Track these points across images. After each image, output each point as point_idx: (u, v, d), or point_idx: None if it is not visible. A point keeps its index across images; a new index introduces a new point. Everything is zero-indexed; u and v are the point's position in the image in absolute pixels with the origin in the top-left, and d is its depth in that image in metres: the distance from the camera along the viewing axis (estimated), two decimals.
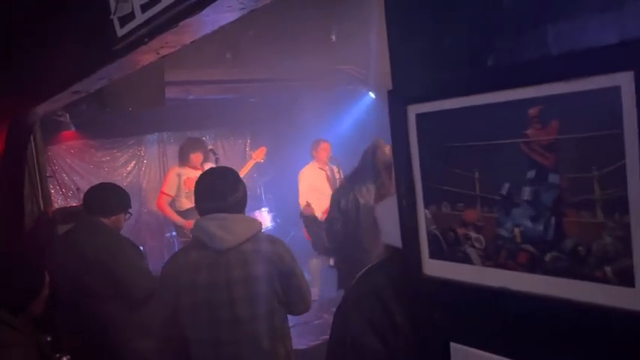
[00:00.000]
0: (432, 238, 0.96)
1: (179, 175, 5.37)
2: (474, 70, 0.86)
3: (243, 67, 5.81)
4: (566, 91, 0.75)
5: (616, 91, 0.70)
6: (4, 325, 2.31)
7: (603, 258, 0.74)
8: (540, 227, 0.81)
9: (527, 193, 0.82)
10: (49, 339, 2.86)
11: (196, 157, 5.35)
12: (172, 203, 5.38)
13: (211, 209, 2.19)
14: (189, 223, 5.06)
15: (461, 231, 0.91)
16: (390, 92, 0.99)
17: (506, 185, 0.84)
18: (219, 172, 2.42)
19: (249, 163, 5.78)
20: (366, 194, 3.38)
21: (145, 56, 2.24)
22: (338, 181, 5.53)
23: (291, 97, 6.94)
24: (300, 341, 4.69)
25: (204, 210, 2.23)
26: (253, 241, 2.18)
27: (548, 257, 0.81)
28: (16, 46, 3.20)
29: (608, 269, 0.74)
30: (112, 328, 3.16)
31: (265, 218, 6.55)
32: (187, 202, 5.29)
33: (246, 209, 7.14)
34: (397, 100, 0.98)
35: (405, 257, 1.01)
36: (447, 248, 0.94)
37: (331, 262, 4.58)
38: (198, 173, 5.20)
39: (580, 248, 0.76)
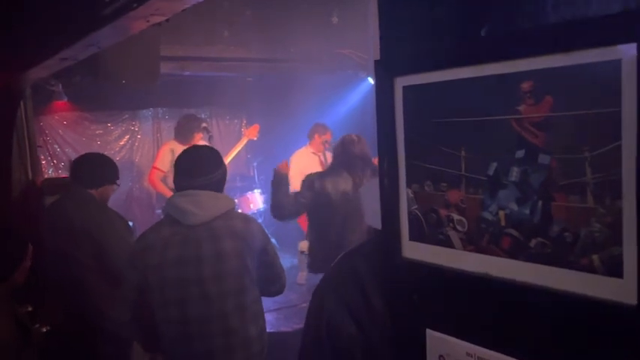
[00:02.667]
0: (413, 219, 0.91)
1: (172, 151, 5.28)
2: (465, 40, 0.81)
3: (240, 45, 5.72)
4: (562, 64, 0.70)
5: (616, 64, 0.65)
6: None
7: (591, 245, 0.69)
8: (526, 211, 0.76)
9: (514, 173, 0.77)
10: (29, 309, 2.83)
11: (198, 135, 5.29)
12: (165, 180, 5.31)
13: (186, 185, 2.17)
14: None
15: (443, 212, 0.86)
16: (376, 62, 0.93)
17: (494, 165, 0.79)
18: (200, 150, 2.42)
19: (241, 140, 5.72)
20: (342, 182, 3.55)
21: (135, 23, 2.17)
22: None
23: (288, 79, 6.85)
24: (285, 324, 4.70)
25: (180, 186, 2.20)
26: (225, 218, 2.16)
27: (532, 243, 0.76)
28: (6, 9, 3.11)
29: (595, 258, 0.69)
30: (94, 299, 3.14)
31: (257, 199, 6.51)
32: None
33: (239, 190, 7.07)
34: (384, 71, 0.92)
35: (384, 238, 0.96)
36: (428, 230, 0.89)
37: (304, 247, 4.64)
38: None
39: (566, 234, 0.71)
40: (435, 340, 0.92)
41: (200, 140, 5.30)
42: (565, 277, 0.72)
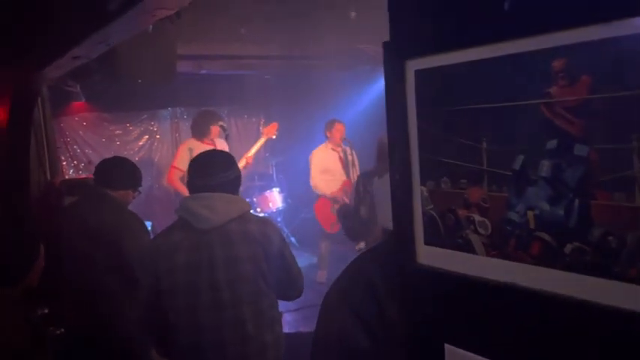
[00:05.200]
0: (429, 221, 0.81)
1: (190, 150, 5.25)
2: (486, 15, 0.70)
3: (257, 43, 5.66)
4: (602, 36, 0.58)
5: None
6: None
7: None
8: (560, 211, 0.65)
9: (545, 168, 0.66)
10: (45, 311, 2.80)
11: (215, 129, 5.23)
12: (183, 179, 5.28)
13: (200, 185, 2.11)
14: None
15: (462, 213, 0.76)
16: (385, 44, 0.83)
17: (520, 158, 0.68)
18: (213, 152, 2.38)
19: (260, 139, 5.65)
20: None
21: (142, 18, 2.11)
22: (350, 162, 5.39)
23: (306, 76, 6.77)
24: (304, 324, 4.64)
25: (194, 186, 2.15)
26: (240, 221, 2.09)
27: (568, 249, 0.65)
28: (18, 9, 3.10)
29: None
30: (111, 300, 3.12)
31: (276, 198, 6.46)
32: None
33: (258, 189, 7.02)
34: (394, 53, 0.81)
35: (396, 242, 0.86)
36: (445, 233, 0.79)
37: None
38: (209, 148, 5.10)
39: (610, 239, 0.60)
40: (455, 357, 0.81)
41: (217, 135, 5.24)
42: (608, 290, 0.61)
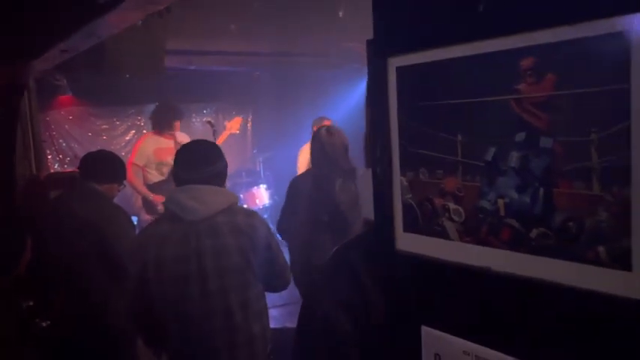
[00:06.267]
0: (407, 209, 0.86)
1: (151, 145, 5.15)
2: (462, 16, 0.75)
3: (246, 39, 5.69)
4: (565, 38, 0.64)
5: (624, 36, 0.59)
6: None
7: (597, 236, 0.64)
8: (527, 199, 0.70)
9: (514, 159, 0.71)
10: (30, 303, 2.81)
11: (178, 124, 5.16)
12: (140, 175, 5.13)
13: (187, 179, 2.14)
14: (157, 198, 4.90)
15: (438, 201, 0.81)
16: (369, 42, 0.88)
17: (492, 150, 0.73)
18: (199, 144, 2.37)
19: (223, 134, 5.60)
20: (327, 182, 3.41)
21: (132, 13, 2.13)
22: None
23: (294, 74, 6.80)
24: (290, 320, 4.69)
25: (181, 180, 2.18)
26: (227, 213, 2.13)
27: (534, 234, 0.70)
28: (7, 2, 3.09)
29: (601, 249, 0.63)
30: (97, 292, 3.14)
31: (263, 195, 6.50)
32: (157, 175, 5.08)
33: (245, 186, 7.01)
34: (377, 51, 0.86)
35: (377, 230, 0.91)
36: (423, 220, 0.84)
37: None
38: (170, 143, 5.06)
39: (570, 224, 0.66)
40: (431, 337, 0.86)
41: (178, 129, 5.20)
42: (569, 271, 0.66)
